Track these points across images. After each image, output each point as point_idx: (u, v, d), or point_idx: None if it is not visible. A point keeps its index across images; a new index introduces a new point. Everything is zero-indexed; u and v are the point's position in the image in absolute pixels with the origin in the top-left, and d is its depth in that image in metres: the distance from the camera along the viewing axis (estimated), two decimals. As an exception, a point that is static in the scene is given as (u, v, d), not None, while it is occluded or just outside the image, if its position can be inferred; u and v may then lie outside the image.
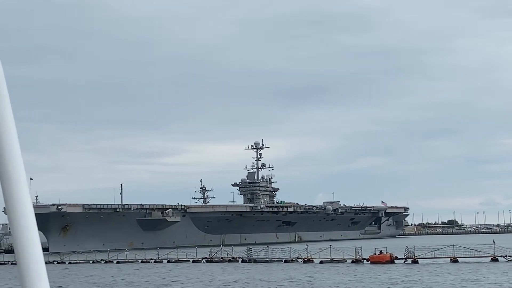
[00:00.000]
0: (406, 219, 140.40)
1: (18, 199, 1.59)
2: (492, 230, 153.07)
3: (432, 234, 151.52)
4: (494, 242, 44.53)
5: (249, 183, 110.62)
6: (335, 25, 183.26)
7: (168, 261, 53.27)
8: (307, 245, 50.01)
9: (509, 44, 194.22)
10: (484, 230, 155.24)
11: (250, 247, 54.01)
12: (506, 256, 43.78)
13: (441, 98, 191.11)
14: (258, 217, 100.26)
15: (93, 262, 56.08)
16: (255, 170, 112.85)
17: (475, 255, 43.77)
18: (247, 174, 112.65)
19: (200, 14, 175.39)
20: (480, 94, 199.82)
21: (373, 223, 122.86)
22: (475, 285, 29.40)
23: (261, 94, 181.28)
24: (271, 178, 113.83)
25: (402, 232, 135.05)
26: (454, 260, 43.36)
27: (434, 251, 44.75)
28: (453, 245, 44.70)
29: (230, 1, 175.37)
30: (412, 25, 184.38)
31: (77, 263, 56.13)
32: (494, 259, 43.32)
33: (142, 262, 54.39)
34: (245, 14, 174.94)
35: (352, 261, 45.63)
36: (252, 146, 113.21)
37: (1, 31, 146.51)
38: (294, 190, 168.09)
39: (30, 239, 1.59)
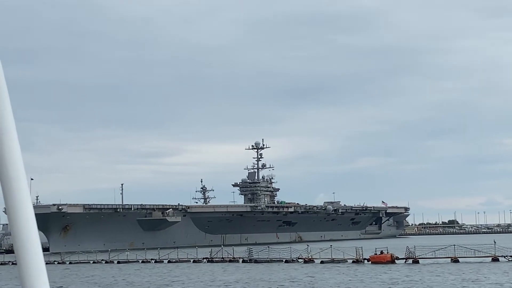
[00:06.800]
0: (406, 219, 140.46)
1: (18, 200, 1.58)
2: (493, 230, 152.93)
3: (433, 234, 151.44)
4: (495, 242, 44.51)
5: (249, 183, 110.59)
6: (336, 25, 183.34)
7: (169, 261, 53.23)
8: (307, 245, 49.95)
9: (509, 43, 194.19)
10: (484, 230, 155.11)
11: (251, 247, 53.99)
12: (507, 256, 43.72)
13: (441, 98, 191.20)
14: (258, 217, 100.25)
15: (94, 262, 56.05)
16: (256, 170, 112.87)
17: (476, 255, 43.74)
18: (247, 174, 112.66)
19: (201, 14, 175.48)
20: (480, 94, 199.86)
21: (374, 223, 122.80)
22: (476, 285, 29.38)
23: (262, 94, 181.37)
24: (272, 178, 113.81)
25: (402, 232, 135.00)
26: (455, 260, 43.31)
27: (435, 251, 44.70)
28: (454, 245, 44.65)
29: (231, 1, 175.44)
30: (412, 25, 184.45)
31: (77, 263, 56.09)
32: (495, 259, 43.26)
33: (142, 262, 54.35)
34: (245, 14, 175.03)
35: (353, 261, 45.59)
36: (252, 146, 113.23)
37: (3, 31, 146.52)
38: (294, 190, 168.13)
39: (30, 240, 1.58)
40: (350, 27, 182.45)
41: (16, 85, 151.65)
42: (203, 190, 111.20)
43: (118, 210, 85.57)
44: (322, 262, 46.23)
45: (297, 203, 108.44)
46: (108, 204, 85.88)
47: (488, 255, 43.73)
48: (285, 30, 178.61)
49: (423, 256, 44.44)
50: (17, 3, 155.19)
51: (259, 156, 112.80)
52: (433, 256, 44.35)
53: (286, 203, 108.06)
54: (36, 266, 1.57)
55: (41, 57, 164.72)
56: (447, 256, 44.16)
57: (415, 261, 43.94)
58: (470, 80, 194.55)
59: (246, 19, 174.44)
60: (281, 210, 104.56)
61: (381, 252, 45.58)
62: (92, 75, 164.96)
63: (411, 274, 35.30)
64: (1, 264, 56.51)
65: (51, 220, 77.31)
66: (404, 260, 44.65)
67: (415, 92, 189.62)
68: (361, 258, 45.87)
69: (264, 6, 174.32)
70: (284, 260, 48.22)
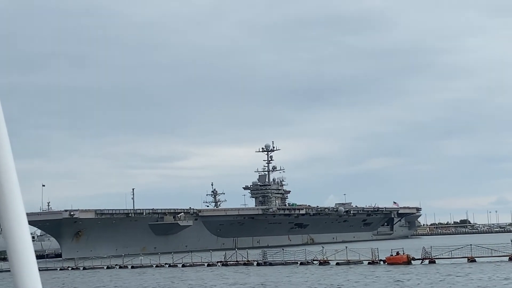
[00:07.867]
0: (418, 219, 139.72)
1: (10, 208, 1.59)
2: (506, 229, 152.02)
3: (445, 234, 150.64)
4: (511, 241, 44.08)
5: (260, 185, 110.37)
6: (344, 26, 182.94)
7: (183, 265, 53.04)
8: (322, 247, 49.64)
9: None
10: (497, 229, 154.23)
11: (265, 250, 53.70)
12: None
13: (451, 97, 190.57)
14: (270, 220, 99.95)
15: (108, 268, 55.88)
16: (266, 172, 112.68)
17: (493, 255, 43.31)
18: (258, 177, 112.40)
19: (209, 18, 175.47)
20: (490, 93, 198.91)
21: (386, 224, 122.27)
22: (499, 284, 29.00)
23: (271, 97, 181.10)
24: (282, 181, 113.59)
25: (414, 233, 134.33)
26: (472, 260, 42.91)
27: (451, 251, 44.30)
28: (470, 245, 44.26)
29: (239, 4, 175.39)
30: (421, 25, 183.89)
31: (91, 268, 55.96)
32: (512, 259, 42.82)
33: (156, 266, 54.19)
34: (253, 16, 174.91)
35: (369, 263, 45.24)
36: (262, 148, 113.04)
37: (12, 38, 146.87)
38: (305, 192, 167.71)
39: (23, 245, 1.59)
40: (359, 28, 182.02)
41: (27, 92, 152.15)
42: (214, 193, 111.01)
43: (130, 215, 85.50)
44: (337, 264, 45.90)
45: (309, 205, 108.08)
46: (119, 209, 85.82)
47: (505, 254, 43.30)
48: (293, 32, 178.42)
49: (439, 256, 44.05)
50: (25, 9, 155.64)
51: (270, 159, 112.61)
52: (450, 256, 43.96)
53: (297, 205, 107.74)
54: (30, 274, 1.57)
55: (51, 64, 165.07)
56: (464, 256, 43.76)
57: (432, 262, 43.55)
58: (480, 79, 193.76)
59: (254, 21, 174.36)
60: (292, 212, 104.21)
61: (397, 253, 45.20)
62: (102, 80, 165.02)
63: (430, 274, 34.92)
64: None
65: (63, 226, 77.31)
66: (421, 260, 44.28)
67: (425, 92, 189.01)
68: (377, 259, 45.52)
69: (272, 8, 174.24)
70: (299, 262, 47.91)
